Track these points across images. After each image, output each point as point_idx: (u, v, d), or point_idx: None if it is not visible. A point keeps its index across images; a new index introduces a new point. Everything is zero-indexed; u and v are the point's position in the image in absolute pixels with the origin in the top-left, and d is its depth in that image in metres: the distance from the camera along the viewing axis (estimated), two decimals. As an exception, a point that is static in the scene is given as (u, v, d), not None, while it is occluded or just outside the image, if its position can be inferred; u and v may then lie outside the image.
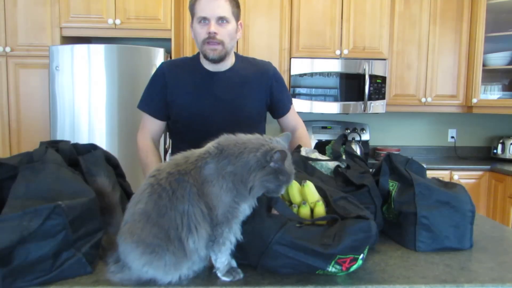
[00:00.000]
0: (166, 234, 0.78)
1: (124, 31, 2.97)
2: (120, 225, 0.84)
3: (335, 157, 1.29)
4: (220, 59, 1.53)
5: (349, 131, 3.59)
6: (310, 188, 0.97)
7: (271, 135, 0.90)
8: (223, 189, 0.81)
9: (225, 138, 0.86)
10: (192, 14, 1.53)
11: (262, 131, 1.72)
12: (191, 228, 0.79)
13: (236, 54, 1.67)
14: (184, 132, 1.64)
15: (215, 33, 1.46)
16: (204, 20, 1.47)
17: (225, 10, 1.48)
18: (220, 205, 0.81)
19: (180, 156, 0.86)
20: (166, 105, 1.61)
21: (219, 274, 0.84)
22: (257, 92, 1.63)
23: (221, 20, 1.48)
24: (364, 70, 3.24)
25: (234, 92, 1.59)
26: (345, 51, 3.27)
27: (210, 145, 0.86)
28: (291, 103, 1.75)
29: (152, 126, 1.65)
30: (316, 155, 1.31)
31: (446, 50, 3.40)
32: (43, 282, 0.79)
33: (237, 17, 1.54)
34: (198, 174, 0.81)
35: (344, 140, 1.37)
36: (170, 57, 2.99)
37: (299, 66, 3.25)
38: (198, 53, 1.62)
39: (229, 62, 1.61)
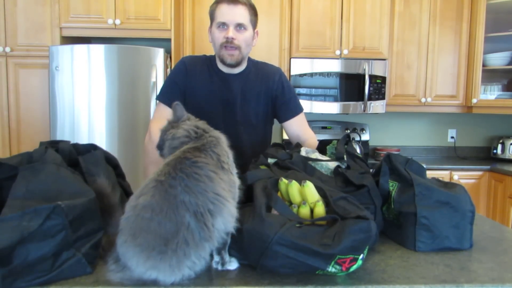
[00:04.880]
0: (175, 231, 0.77)
1: (124, 31, 2.96)
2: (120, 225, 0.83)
3: (338, 157, 1.29)
4: (236, 64, 1.60)
5: (349, 131, 3.59)
6: (310, 188, 0.96)
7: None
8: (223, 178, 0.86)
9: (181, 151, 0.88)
10: (212, 19, 1.59)
11: (268, 134, 1.77)
12: (202, 225, 0.79)
13: (249, 58, 1.71)
14: None
15: (233, 38, 1.52)
16: (223, 25, 1.54)
17: (244, 17, 1.54)
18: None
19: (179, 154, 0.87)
20: (184, 97, 1.64)
21: (227, 266, 0.88)
22: (263, 96, 1.68)
23: (239, 26, 1.54)
24: (364, 70, 3.24)
25: (242, 95, 1.64)
26: (345, 51, 3.27)
27: (183, 152, 0.87)
28: (298, 110, 1.74)
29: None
30: (316, 155, 1.31)
31: (446, 50, 3.40)
32: (43, 282, 0.79)
33: (254, 25, 1.60)
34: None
35: (347, 140, 1.37)
36: (170, 57, 2.99)
37: (299, 66, 3.25)
38: (215, 55, 1.66)
39: (243, 65, 1.67)
